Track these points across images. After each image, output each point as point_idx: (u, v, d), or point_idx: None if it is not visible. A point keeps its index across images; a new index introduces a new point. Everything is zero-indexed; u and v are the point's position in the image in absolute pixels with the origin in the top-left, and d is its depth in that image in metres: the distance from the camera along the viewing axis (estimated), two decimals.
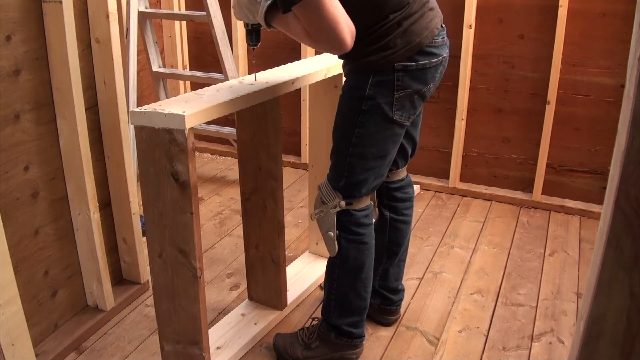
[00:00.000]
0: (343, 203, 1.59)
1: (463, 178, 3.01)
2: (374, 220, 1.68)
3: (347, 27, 1.31)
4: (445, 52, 1.55)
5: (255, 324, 1.90)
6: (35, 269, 1.73)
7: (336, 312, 1.71)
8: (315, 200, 1.66)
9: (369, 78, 1.48)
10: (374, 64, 1.46)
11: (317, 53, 3.02)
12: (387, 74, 1.46)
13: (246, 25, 1.53)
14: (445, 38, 1.56)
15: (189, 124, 1.33)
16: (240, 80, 1.67)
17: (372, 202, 1.67)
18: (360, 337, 1.74)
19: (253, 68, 1.69)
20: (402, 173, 1.82)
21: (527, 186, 2.89)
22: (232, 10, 1.59)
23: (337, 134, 1.59)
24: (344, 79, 1.61)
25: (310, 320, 1.93)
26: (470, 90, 2.83)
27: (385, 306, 1.92)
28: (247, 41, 1.58)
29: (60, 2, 1.61)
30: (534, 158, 2.81)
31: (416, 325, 1.96)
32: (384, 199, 1.83)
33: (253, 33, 1.55)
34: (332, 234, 1.62)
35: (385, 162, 1.60)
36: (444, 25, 1.56)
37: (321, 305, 1.78)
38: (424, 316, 2.01)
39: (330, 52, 1.45)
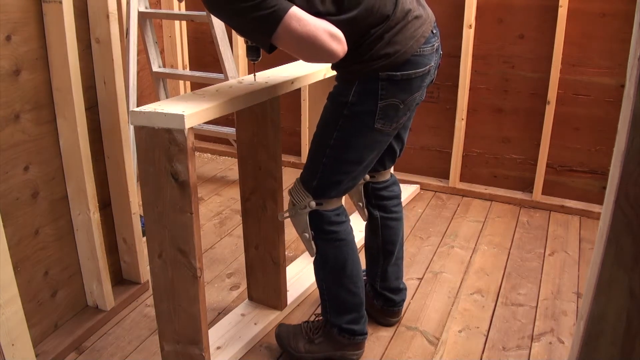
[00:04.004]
0: (313, 203, 1.59)
1: (463, 178, 3.01)
2: (348, 218, 1.67)
3: (328, 37, 1.34)
4: (433, 61, 1.52)
5: (255, 324, 1.90)
6: (35, 269, 1.73)
7: (333, 312, 1.71)
8: (288, 204, 1.66)
9: (353, 85, 1.48)
10: (359, 72, 1.46)
11: None
12: (371, 83, 1.45)
13: (248, 41, 1.54)
14: (436, 45, 1.53)
15: (188, 123, 1.33)
16: (239, 80, 1.67)
17: (343, 204, 1.66)
18: (363, 335, 1.74)
19: (253, 68, 1.69)
20: (388, 174, 1.84)
21: (527, 186, 2.89)
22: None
23: (316, 135, 1.59)
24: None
25: (314, 315, 1.94)
26: (470, 90, 2.83)
27: (388, 307, 1.92)
28: (247, 56, 1.59)
29: (60, 2, 1.61)
30: (534, 158, 2.81)
31: (416, 325, 1.96)
32: (371, 200, 1.84)
33: (254, 49, 1.57)
34: (307, 235, 1.63)
35: (361, 167, 1.59)
36: (435, 31, 1.53)
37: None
38: (424, 316, 2.01)
39: (326, 62, 1.47)
